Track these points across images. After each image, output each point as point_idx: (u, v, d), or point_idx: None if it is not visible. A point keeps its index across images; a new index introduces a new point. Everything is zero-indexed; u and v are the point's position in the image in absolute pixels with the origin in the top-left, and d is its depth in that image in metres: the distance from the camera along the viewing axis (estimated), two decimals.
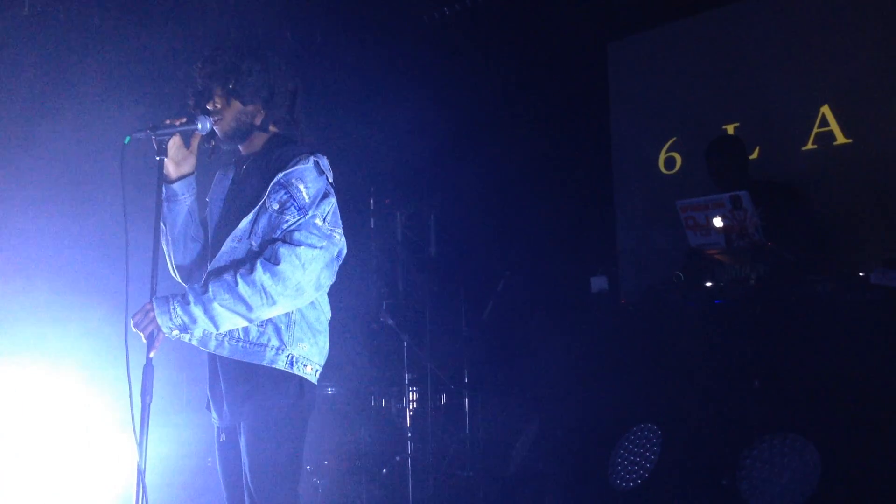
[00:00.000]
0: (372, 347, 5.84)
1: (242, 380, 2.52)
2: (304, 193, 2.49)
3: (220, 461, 2.68)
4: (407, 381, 5.62)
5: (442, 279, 6.05)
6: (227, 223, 2.59)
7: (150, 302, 2.40)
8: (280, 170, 2.51)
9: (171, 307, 2.40)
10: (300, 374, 2.53)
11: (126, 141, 2.42)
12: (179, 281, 2.75)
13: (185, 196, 2.66)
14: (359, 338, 5.70)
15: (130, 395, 2.28)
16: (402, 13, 6.07)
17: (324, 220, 2.51)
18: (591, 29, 5.65)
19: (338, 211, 2.58)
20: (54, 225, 4.65)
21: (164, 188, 2.57)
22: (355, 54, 5.94)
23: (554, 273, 5.55)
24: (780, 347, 3.70)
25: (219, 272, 2.48)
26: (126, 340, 2.31)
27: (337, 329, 2.77)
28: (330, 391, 5.37)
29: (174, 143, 2.56)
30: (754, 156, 4.96)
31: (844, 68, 4.75)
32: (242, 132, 2.64)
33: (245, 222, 2.52)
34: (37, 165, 4.65)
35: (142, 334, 2.41)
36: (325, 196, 2.53)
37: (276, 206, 2.49)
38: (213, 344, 2.52)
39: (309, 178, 2.51)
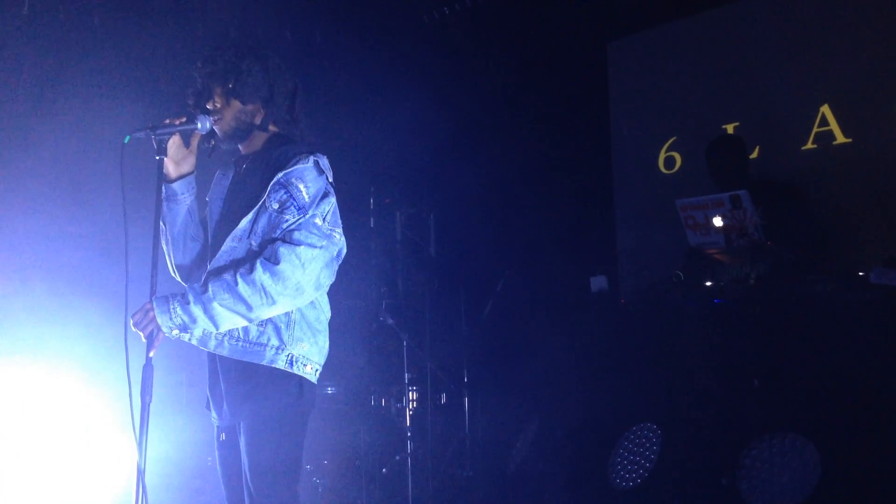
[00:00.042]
0: (372, 347, 5.84)
1: (242, 379, 2.52)
2: (304, 193, 2.49)
3: (219, 461, 2.68)
4: (406, 381, 5.62)
5: (442, 279, 6.05)
6: (227, 223, 2.60)
7: (150, 301, 2.40)
8: (280, 169, 2.51)
9: (171, 307, 2.40)
10: (300, 373, 2.54)
11: (126, 140, 2.42)
12: (179, 280, 2.75)
13: (184, 195, 2.66)
14: (358, 337, 5.70)
15: (130, 395, 2.28)
16: (401, 13, 6.07)
17: (323, 219, 2.51)
18: (591, 29, 5.64)
19: (337, 210, 2.58)
20: (54, 224, 4.65)
21: (163, 187, 2.57)
22: (355, 54, 5.94)
23: (554, 273, 5.55)
24: (779, 347, 3.70)
25: (218, 272, 2.48)
26: (126, 340, 2.31)
27: (337, 328, 2.77)
28: (330, 391, 5.37)
29: (174, 143, 2.56)
30: (754, 155, 4.95)
31: (844, 68, 4.75)
32: (242, 132, 2.64)
33: (245, 222, 2.52)
34: (36, 165, 4.66)
35: (141, 334, 2.41)
36: (325, 195, 2.53)
37: (275, 206, 2.49)
38: (212, 343, 2.52)
39: (309, 178, 2.51)
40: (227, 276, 2.42)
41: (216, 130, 2.62)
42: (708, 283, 4.03)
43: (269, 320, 2.51)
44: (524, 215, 5.69)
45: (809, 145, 4.88)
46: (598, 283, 4.56)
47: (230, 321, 2.44)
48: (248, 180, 2.63)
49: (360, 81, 5.99)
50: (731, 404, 3.73)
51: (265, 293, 2.40)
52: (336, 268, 2.60)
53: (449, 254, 6.19)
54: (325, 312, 2.66)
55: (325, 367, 2.66)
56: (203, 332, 2.49)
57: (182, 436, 4.38)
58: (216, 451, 2.68)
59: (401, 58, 6.04)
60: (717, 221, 3.86)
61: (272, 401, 2.50)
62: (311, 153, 2.56)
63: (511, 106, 6.04)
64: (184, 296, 2.42)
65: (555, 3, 5.62)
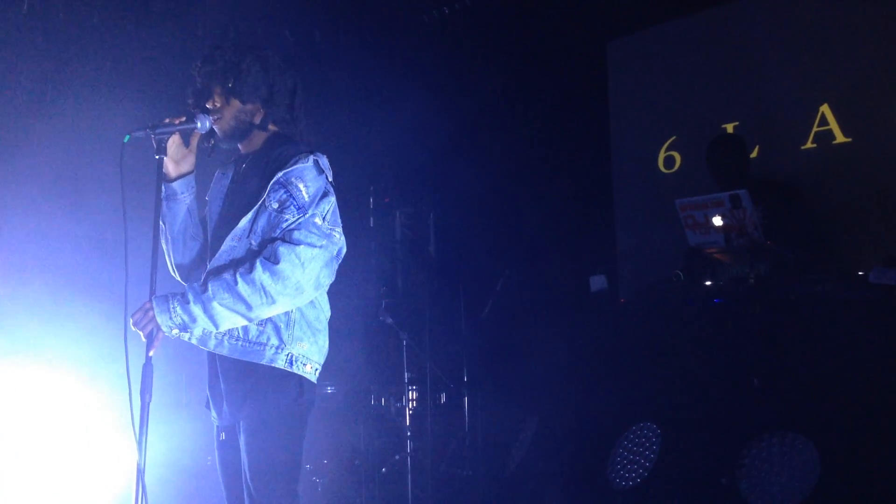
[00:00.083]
0: (371, 346, 5.84)
1: (242, 379, 2.52)
2: (304, 192, 2.49)
3: (219, 460, 2.68)
4: (406, 380, 5.62)
5: (441, 278, 6.05)
6: (227, 222, 2.59)
7: (150, 301, 2.40)
8: (279, 168, 2.51)
9: (171, 306, 2.40)
10: (300, 373, 2.53)
11: (125, 140, 2.42)
12: (179, 280, 2.75)
13: (184, 195, 2.65)
14: (358, 337, 5.70)
15: (130, 395, 2.28)
16: (401, 12, 6.07)
17: (323, 218, 2.51)
18: (591, 28, 5.64)
19: (337, 210, 2.58)
20: (53, 224, 4.65)
21: (163, 187, 2.57)
22: (355, 53, 5.94)
23: (553, 272, 5.55)
24: (779, 346, 3.70)
25: (218, 271, 2.48)
26: (125, 339, 2.31)
27: (336, 328, 2.77)
28: (329, 390, 5.37)
29: (173, 142, 2.55)
30: (753, 155, 4.95)
31: (844, 67, 4.75)
32: (242, 131, 2.64)
33: (244, 221, 2.52)
34: (35, 164, 4.65)
35: (141, 333, 2.41)
36: (325, 195, 2.53)
37: (275, 205, 2.49)
38: (212, 343, 2.52)
39: (308, 177, 2.51)
40: (227, 276, 2.42)
41: (216, 130, 2.62)
42: (707, 283, 4.03)
43: (269, 320, 2.51)
44: (524, 215, 5.69)
45: (809, 145, 4.88)
46: (597, 282, 4.56)
47: (230, 320, 2.44)
48: (247, 180, 2.63)
49: (360, 81, 5.99)
50: (731, 404, 3.73)
51: (265, 292, 2.40)
52: (336, 267, 2.59)
53: (449, 253, 6.20)
54: (325, 312, 2.66)
55: (325, 366, 2.66)
56: (203, 332, 2.48)
57: (182, 435, 4.37)
58: (216, 451, 2.68)
59: (400, 57, 6.04)
60: (717, 221, 3.85)
61: (272, 400, 2.50)
62: (311, 152, 2.56)
63: (510, 105, 6.04)
64: (183, 295, 2.42)
65: (554, 2, 5.62)
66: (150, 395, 2.29)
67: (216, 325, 2.44)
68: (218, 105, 2.60)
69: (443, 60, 6.11)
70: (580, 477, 4.11)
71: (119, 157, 2.42)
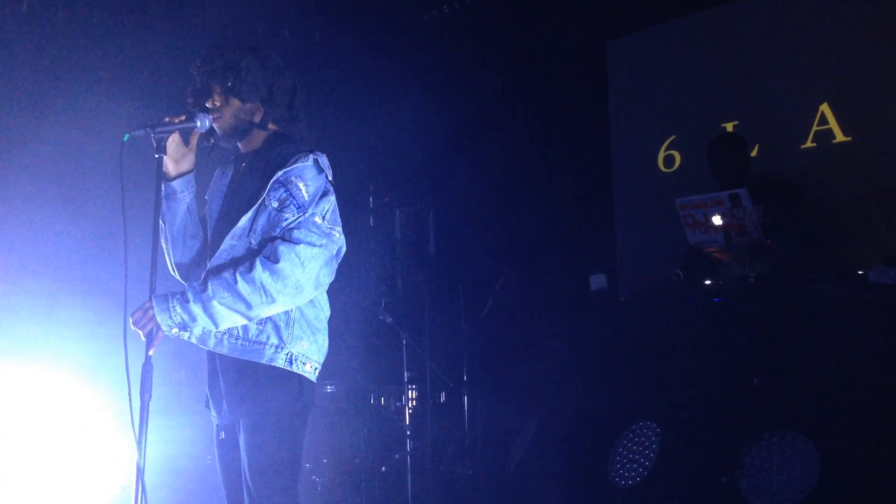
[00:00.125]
0: (371, 346, 5.83)
1: (242, 378, 2.52)
2: (304, 191, 2.48)
3: (219, 459, 2.68)
4: (406, 379, 5.62)
5: (441, 277, 6.05)
6: (227, 221, 2.59)
7: (150, 300, 2.40)
8: (279, 168, 2.51)
9: (171, 305, 2.40)
10: (299, 372, 2.53)
11: (125, 139, 2.42)
12: (179, 279, 2.75)
13: (184, 194, 2.65)
14: (358, 336, 5.70)
15: (129, 394, 2.28)
16: (401, 11, 6.07)
17: (323, 218, 2.50)
18: (591, 27, 5.64)
19: (337, 209, 2.58)
20: (53, 223, 4.65)
21: (163, 186, 2.57)
22: (354, 53, 5.94)
23: (553, 271, 5.55)
24: (779, 345, 3.70)
25: (218, 270, 2.48)
26: (125, 339, 2.31)
27: (336, 327, 2.77)
28: (329, 389, 5.37)
29: (173, 141, 2.55)
30: (753, 153, 4.96)
31: (844, 66, 4.75)
32: (241, 130, 2.64)
33: (244, 220, 2.52)
34: (35, 163, 4.65)
35: (141, 332, 2.41)
36: (325, 194, 2.53)
37: (275, 204, 2.49)
38: (212, 342, 2.51)
39: (308, 176, 2.51)
40: (227, 275, 2.42)
41: (215, 129, 2.62)
42: (707, 282, 4.03)
43: (269, 319, 2.51)
44: (524, 214, 5.69)
45: (809, 144, 4.88)
46: (597, 281, 4.56)
47: (230, 320, 2.44)
48: (247, 179, 2.63)
49: (360, 80, 5.99)
50: (731, 403, 3.73)
51: (265, 291, 2.40)
52: (335, 266, 2.59)
53: (448, 252, 6.20)
54: (325, 311, 2.66)
55: (325, 365, 2.66)
56: (202, 331, 2.48)
57: (182, 435, 4.38)
58: (216, 450, 2.68)
59: (400, 56, 6.04)
60: (717, 220, 3.86)
61: (272, 399, 2.50)
62: (311, 151, 2.56)
63: (510, 104, 6.04)
64: (183, 294, 2.42)
65: (554, 2, 5.62)
66: (150, 395, 2.29)
67: (216, 324, 2.43)
68: (217, 104, 2.60)
69: (443, 60, 6.11)
70: (580, 476, 4.11)
71: (118, 157, 2.42)
